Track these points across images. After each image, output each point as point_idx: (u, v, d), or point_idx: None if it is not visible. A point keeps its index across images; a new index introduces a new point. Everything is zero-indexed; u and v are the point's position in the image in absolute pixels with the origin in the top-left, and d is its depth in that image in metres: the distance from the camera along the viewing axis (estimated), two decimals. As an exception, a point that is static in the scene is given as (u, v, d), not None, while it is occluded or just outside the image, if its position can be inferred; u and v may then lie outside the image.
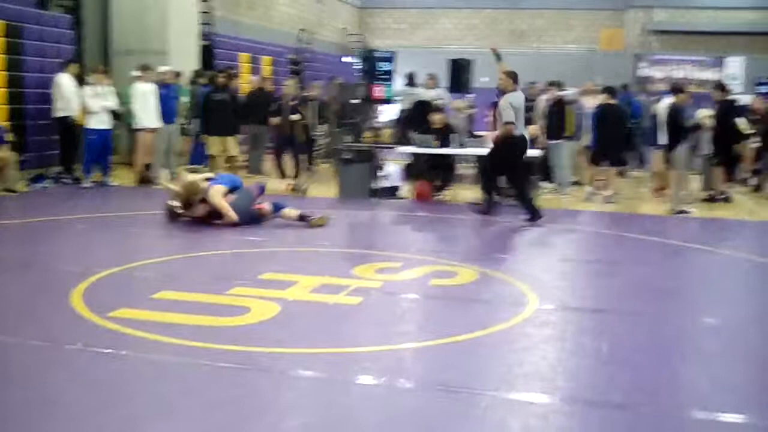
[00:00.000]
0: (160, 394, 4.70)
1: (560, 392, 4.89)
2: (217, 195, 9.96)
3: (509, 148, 11.14)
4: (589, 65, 29.81)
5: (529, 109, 14.95)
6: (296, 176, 14.98)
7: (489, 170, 11.66)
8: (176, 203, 10.10)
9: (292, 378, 4.99)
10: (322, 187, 14.60)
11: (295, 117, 14.79)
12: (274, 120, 14.77)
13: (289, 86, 15.23)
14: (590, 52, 32.25)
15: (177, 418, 4.35)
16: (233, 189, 10.22)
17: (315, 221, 10.22)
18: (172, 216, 10.10)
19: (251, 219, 10.10)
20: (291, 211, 10.36)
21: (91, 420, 4.28)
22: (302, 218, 10.26)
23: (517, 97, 11.23)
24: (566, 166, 14.22)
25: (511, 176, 11.48)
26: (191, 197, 10.10)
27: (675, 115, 12.55)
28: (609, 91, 14.06)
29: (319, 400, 4.71)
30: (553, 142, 13.88)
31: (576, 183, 14.90)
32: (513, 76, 11.46)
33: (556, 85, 14.38)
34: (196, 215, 9.98)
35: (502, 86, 11.49)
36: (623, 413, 4.58)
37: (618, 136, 13.80)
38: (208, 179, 10.34)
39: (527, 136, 11.43)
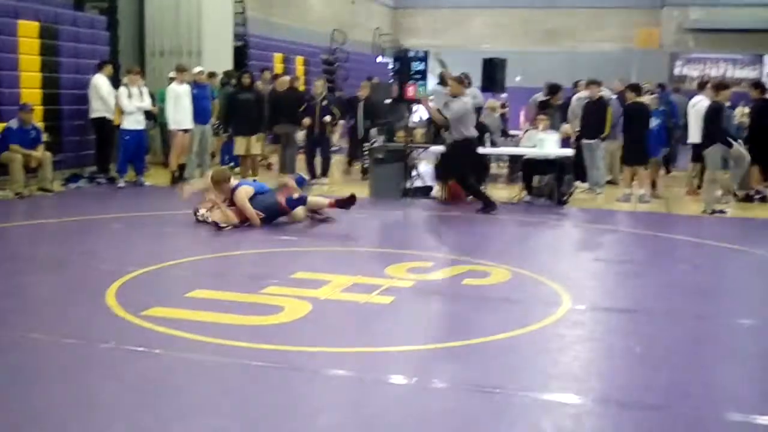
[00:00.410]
0: (193, 393, 4.73)
1: (593, 393, 4.86)
2: (244, 196, 9.99)
3: (459, 149, 12.01)
4: (623, 64, 29.62)
5: (564, 107, 14.87)
6: (324, 175, 15.02)
7: (445, 171, 12.69)
8: (202, 210, 10.09)
9: (325, 377, 5.00)
10: (355, 187, 14.62)
11: (327, 119, 14.81)
12: (306, 121, 14.80)
13: (318, 86, 15.25)
14: (625, 51, 32.04)
15: (209, 416, 4.37)
16: (260, 193, 10.27)
17: (344, 200, 10.25)
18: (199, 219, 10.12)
19: (275, 215, 10.14)
20: (320, 200, 10.47)
21: (124, 418, 4.31)
22: (337, 204, 10.29)
23: (464, 103, 12.05)
24: (601, 166, 14.11)
25: (462, 174, 12.26)
26: (220, 184, 10.16)
27: (714, 113, 12.30)
28: (634, 89, 13.93)
29: (351, 400, 4.71)
30: (590, 141, 13.72)
31: (610, 182, 14.79)
32: (461, 81, 12.39)
33: (596, 83, 14.18)
34: (218, 219, 9.92)
35: (452, 92, 12.16)
36: (657, 414, 4.54)
37: (643, 134, 13.66)
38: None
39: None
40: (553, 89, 14.63)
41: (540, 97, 15.70)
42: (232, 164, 16.52)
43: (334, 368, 5.11)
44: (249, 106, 14.28)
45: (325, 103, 14.92)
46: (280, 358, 5.24)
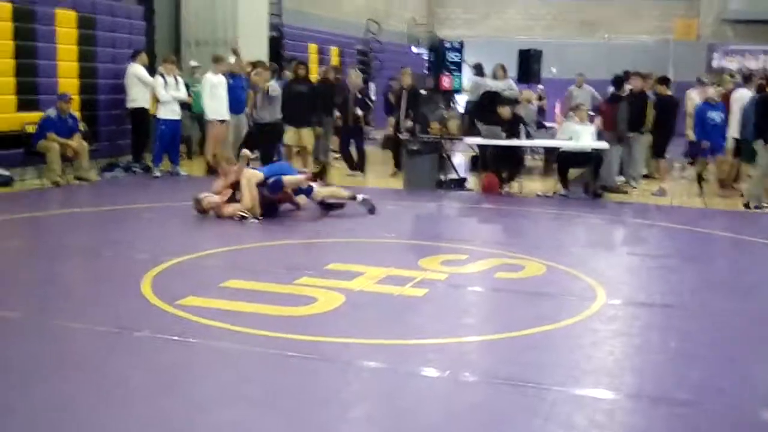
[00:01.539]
0: (226, 382, 4.76)
1: (627, 388, 4.82)
2: (250, 178, 9.94)
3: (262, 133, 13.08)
4: (661, 56, 29.33)
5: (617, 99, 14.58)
6: (361, 168, 14.99)
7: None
8: (204, 194, 10.10)
9: (357, 368, 5.00)
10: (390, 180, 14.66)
11: (360, 112, 14.78)
12: (337, 114, 14.81)
13: (353, 77, 15.22)
14: (662, 42, 31.66)
15: (243, 405, 4.39)
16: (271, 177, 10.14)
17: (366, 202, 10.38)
18: (198, 208, 10.07)
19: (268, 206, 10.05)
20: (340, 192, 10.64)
21: (158, 406, 4.35)
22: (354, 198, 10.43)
23: (275, 87, 13.15)
24: (639, 159, 13.99)
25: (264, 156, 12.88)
26: (221, 166, 10.36)
27: (764, 107, 12.04)
28: (664, 81, 13.77)
29: (382, 391, 4.72)
30: (631, 134, 13.56)
31: (646, 176, 14.66)
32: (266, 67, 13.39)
33: (640, 76, 13.98)
34: (230, 213, 9.91)
35: (254, 81, 13.11)
36: (690, 410, 4.50)
37: (672, 128, 13.51)
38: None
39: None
40: (621, 81, 14.21)
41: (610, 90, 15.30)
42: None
43: (367, 360, 5.12)
44: (302, 97, 14.26)
45: (359, 95, 14.89)
46: (312, 349, 5.25)
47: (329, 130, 15.72)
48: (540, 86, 18.42)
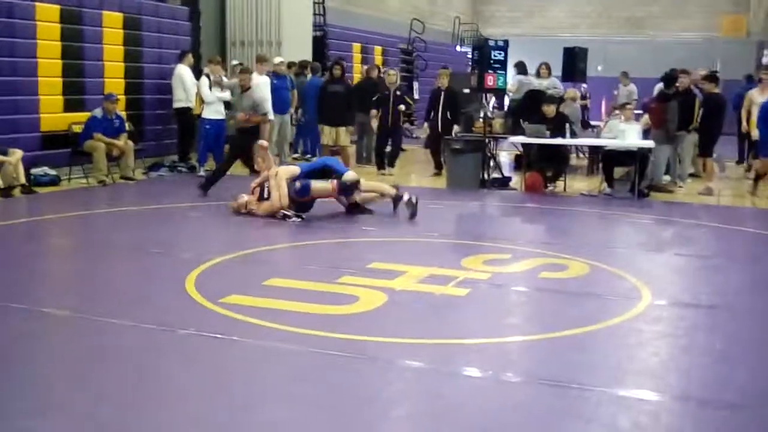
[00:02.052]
0: (268, 380, 4.77)
1: (672, 390, 4.76)
2: (280, 175, 9.96)
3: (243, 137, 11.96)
4: (708, 54, 28.93)
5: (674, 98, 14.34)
6: (391, 163, 15.00)
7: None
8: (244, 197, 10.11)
9: (399, 368, 4.99)
10: (429, 180, 14.64)
11: (402, 108, 14.76)
12: (373, 113, 14.81)
13: (391, 76, 15.20)
14: (709, 39, 31.26)
15: (285, 403, 4.40)
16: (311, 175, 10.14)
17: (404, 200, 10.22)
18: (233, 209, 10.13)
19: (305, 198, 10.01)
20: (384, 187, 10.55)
21: (202, 403, 4.38)
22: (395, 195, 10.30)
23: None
24: (686, 158, 13.81)
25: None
26: (259, 162, 10.41)
27: None
28: (712, 79, 13.57)
29: (424, 391, 4.70)
30: (680, 133, 13.37)
31: (692, 175, 14.48)
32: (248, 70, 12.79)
33: (687, 73, 13.77)
34: (267, 210, 9.92)
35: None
36: (737, 414, 4.43)
37: (718, 126, 13.32)
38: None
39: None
40: (671, 79, 13.97)
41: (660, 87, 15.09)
42: (309, 155, 16.67)
43: (409, 359, 5.10)
44: (338, 97, 14.28)
45: (398, 93, 14.88)
46: (354, 348, 5.26)
47: (372, 130, 15.73)
48: (584, 85, 18.24)
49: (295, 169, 10.27)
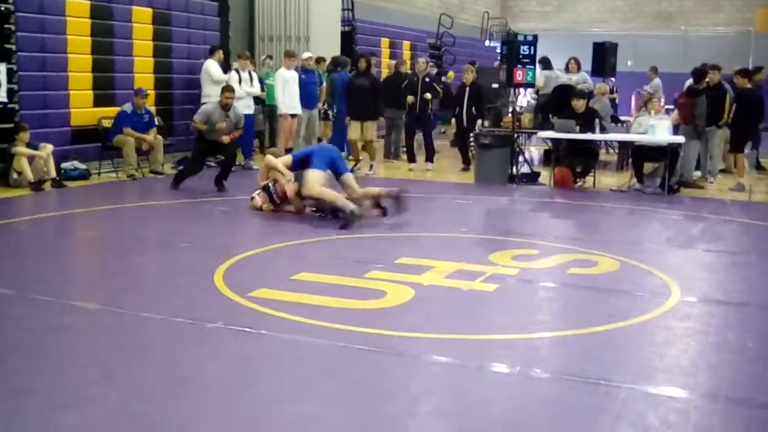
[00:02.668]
0: (296, 374, 4.78)
1: (702, 388, 4.72)
2: (278, 164, 9.94)
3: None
4: (741, 49, 28.65)
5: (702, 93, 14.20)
6: (429, 158, 14.93)
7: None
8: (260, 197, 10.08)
9: (426, 363, 4.99)
10: (456, 176, 14.61)
11: (428, 96, 14.70)
12: (410, 99, 14.73)
13: (421, 63, 15.14)
14: (743, 34, 30.92)
15: (313, 397, 4.41)
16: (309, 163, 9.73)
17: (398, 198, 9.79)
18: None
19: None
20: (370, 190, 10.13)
21: (231, 397, 4.39)
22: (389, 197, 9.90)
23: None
24: (716, 154, 13.68)
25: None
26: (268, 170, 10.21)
27: None
28: (745, 74, 13.42)
29: (452, 386, 4.69)
30: (709, 129, 13.25)
31: (723, 171, 14.35)
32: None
33: (716, 69, 13.64)
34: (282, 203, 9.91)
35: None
36: (769, 412, 4.39)
37: (752, 122, 13.18)
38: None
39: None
40: (701, 74, 13.83)
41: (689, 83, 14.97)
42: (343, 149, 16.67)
43: (436, 354, 5.10)
44: (364, 91, 14.26)
45: (427, 80, 14.82)
46: (382, 343, 5.25)
47: (400, 125, 15.71)
48: (612, 79, 18.10)
49: (287, 158, 10.19)
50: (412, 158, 15.03)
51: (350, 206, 9.26)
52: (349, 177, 10.00)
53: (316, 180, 9.50)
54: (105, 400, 4.34)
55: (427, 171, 14.63)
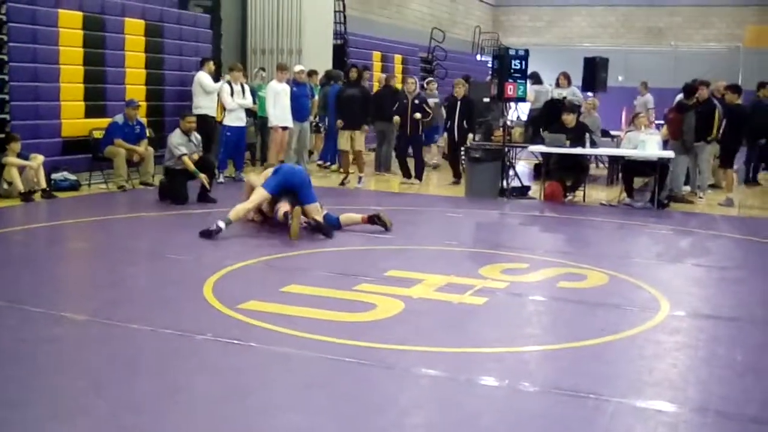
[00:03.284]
0: (286, 386, 4.78)
1: (691, 402, 4.73)
2: (256, 182, 9.97)
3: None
4: (731, 64, 28.84)
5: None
6: (418, 176, 14.93)
7: None
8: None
9: (415, 376, 4.99)
10: (448, 190, 14.64)
11: (418, 116, 14.73)
12: (396, 119, 14.74)
13: (410, 84, 15.14)
14: (732, 50, 31.12)
15: (302, 409, 4.40)
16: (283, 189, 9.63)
17: (385, 219, 9.78)
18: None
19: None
20: (353, 216, 9.97)
21: (219, 409, 4.38)
22: (371, 220, 9.83)
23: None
24: (705, 169, 13.74)
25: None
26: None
27: None
28: (734, 90, 13.49)
29: (441, 399, 4.69)
30: (696, 144, 13.31)
31: (712, 186, 14.41)
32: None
33: (705, 84, 13.70)
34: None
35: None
36: (758, 427, 4.40)
37: (740, 138, 13.26)
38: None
39: None
40: (691, 90, 13.86)
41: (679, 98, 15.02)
42: (328, 163, 16.70)
43: (426, 367, 5.10)
44: (354, 101, 14.25)
45: (416, 101, 14.84)
46: (371, 356, 5.25)
47: (391, 138, 15.72)
48: (589, 94, 18.14)
49: (260, 180, 10.01)
50: (407, 174, 14.99)
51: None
52: (311, 208, 9.60)
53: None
54: (94, 411, 4.33)
55: (413, 185, 14.62)
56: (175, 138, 11.62)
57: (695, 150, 13.33)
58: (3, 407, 4.33)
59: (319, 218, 9.51)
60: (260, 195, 9.61)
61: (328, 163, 16.75)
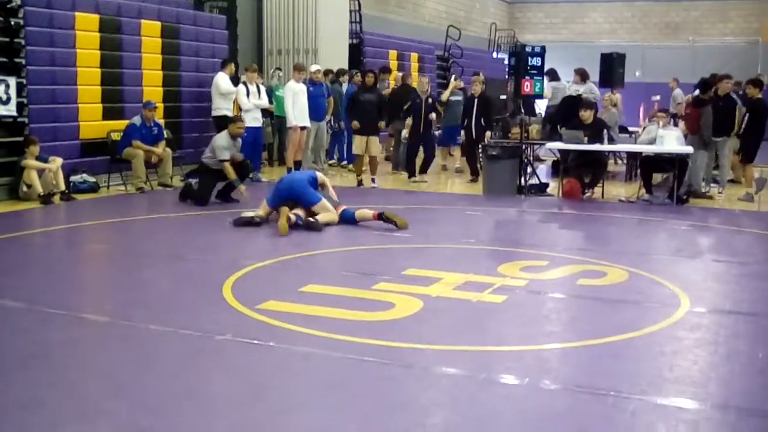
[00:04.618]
0: (303, 386, 4.77)
1: (712, 399, 4.69)
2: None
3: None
4: (749, 59, 28.65)
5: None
6: (423, 169, 14.93)
7: None
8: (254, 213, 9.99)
9: (435, 375, 4.98)
10: (465, 187, 14.62)
11: (433, 116, 14.70)
12: (408, 122, 14.71)
13: (423, 84, 15.10)
14: (751, 44, 30.92)
15: (321, 409, 4.40)
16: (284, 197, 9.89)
17: (392, 217, 9.80)
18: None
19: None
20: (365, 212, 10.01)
21: (239, 409, 4.38)
22: (380, 217, 9.86)
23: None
24: (726, 164, 13.66)
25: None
26: None
27: None
28: (756, 84, 13.38)
29: (461, 398, 4.67)
30: (717, 139, 13.22)
31: (731, 181, 14.32)
32: None
33: (728, 78, 13.59)
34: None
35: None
36: (781, 423, 4.36)
37: (762, 132, 13.17)
38: None
39: None
40: (707, 85, 13.85)
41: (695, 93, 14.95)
42: (345, 162, 16.73)
43: (445, 366, 5.09)
44: (370, 106, 14.25)
45: (429, 101, 14.81)
46: (390, 355, 5.24)
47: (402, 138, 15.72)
48: (619, 89, 18.07)
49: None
50: (412, 172, 14.99)
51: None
52: (317, 207, 9.88)
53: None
54: (114, 413, 4.34)
55: (423, 182, 14.61)
56: (222, 140, 11.65)
57: (713, 145, 13.24)
58: (22, 409, 4.35)
59: (328, 215, 9.77)
60: (263, 209, 10.02)
61: (333, 161, 16.85)
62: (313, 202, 9.86)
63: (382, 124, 14.58)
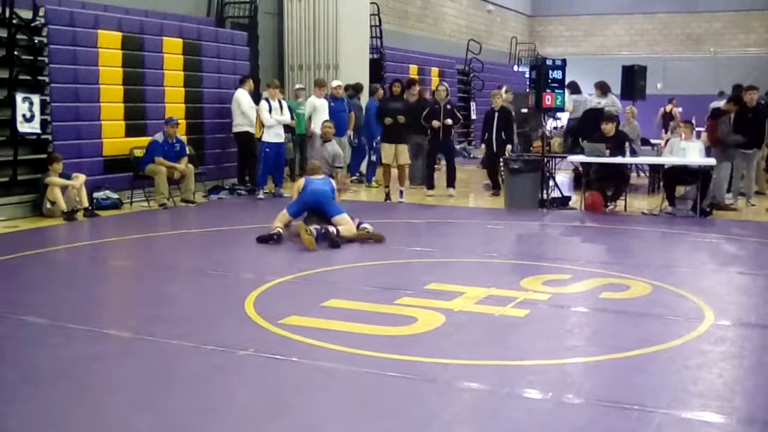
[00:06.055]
0: (328, 401, 4.77)
1: (737, 413, 4.65)
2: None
3: None
4: (770, 69, 28.45)
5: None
6: (450, 183, 14.87)
7: None
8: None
9: (458, 389, 4.96)
10: (486, 201, 14.58)
11: (449, 121, 14.66)
12: (435, 123, 14.64)
13: (441, 91, 15.06)
14: (772, 55, 30.75)
15: (344, 425, 4.39)
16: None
17: (372, 234, 9.88)
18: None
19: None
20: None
21: (261, 424, 4.39)
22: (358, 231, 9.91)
23: None
24: (752, 176, 13.57)
25: None
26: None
27: None
28: None
29: (484, 413, 4.66)
30: (749, 151, 13.13)
31: (757, 193, 14.22)
32: None
33: (754, 89, 13.46)
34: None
35: None
36: (808, 437, 4.32)
37: None
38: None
39: None
40: (738, 98, 13.51)
41: (716, 104, 14.90)
42: (354, 178, 16.73)
43: (468, 381, 5.07)
44: (398, 114, 14.22)
45: (448, 107, 14.78)
46: (413, 370, 5.23)
47: (423, 151, 15.68)
48: (639, 101, 18.01)
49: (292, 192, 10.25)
50: (431, 185, 14.97)
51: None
52: (339, 219, 9.89)
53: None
54: (137, 428, 4.35)
55: (450, 197, 14.58)
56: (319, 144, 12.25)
57: (739, 156, 13.14)
58: (46, 425, 4.37)
59: (347, 227, 9.78)
60: (283, 217, 10.07)
61: (355, 177, 16.85)
62: (335, 214, 9.93)
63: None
